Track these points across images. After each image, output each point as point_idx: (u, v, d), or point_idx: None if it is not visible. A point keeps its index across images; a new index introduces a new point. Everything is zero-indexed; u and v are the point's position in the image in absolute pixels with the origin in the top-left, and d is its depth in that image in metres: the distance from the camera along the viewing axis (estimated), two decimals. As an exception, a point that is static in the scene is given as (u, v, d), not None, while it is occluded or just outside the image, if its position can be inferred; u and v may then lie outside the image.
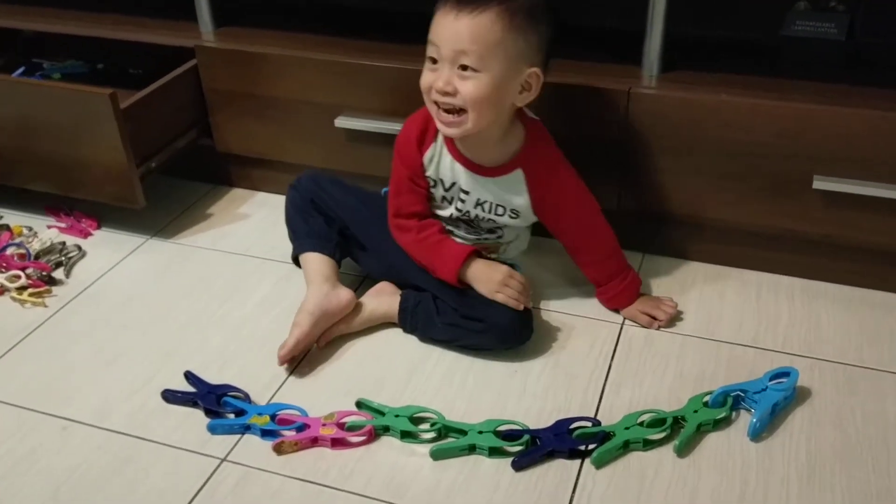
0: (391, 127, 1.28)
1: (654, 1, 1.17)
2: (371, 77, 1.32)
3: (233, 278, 1.32)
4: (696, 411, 1.01)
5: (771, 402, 1.01)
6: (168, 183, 1.56)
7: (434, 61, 1.04)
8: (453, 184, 1.15)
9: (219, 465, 0.98)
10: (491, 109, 1.04)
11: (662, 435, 0.99)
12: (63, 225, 1.46)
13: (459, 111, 1.04)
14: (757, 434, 0.99)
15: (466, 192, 1.14)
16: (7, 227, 1.43)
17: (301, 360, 1.14)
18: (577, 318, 1.21)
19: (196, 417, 1.05)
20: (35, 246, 1.38)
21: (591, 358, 1.14)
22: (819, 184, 1.15)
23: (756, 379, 1.05)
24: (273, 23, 1.49)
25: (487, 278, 1.12)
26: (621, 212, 1.30)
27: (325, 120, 1.37)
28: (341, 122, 1.36)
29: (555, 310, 1.22)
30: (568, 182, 1.14)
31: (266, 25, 1.48)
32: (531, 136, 1.11)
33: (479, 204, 1.14)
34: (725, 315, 1.21)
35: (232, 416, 1.04)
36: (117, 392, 1.10)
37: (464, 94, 1.02)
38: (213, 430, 1.02)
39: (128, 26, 1.51)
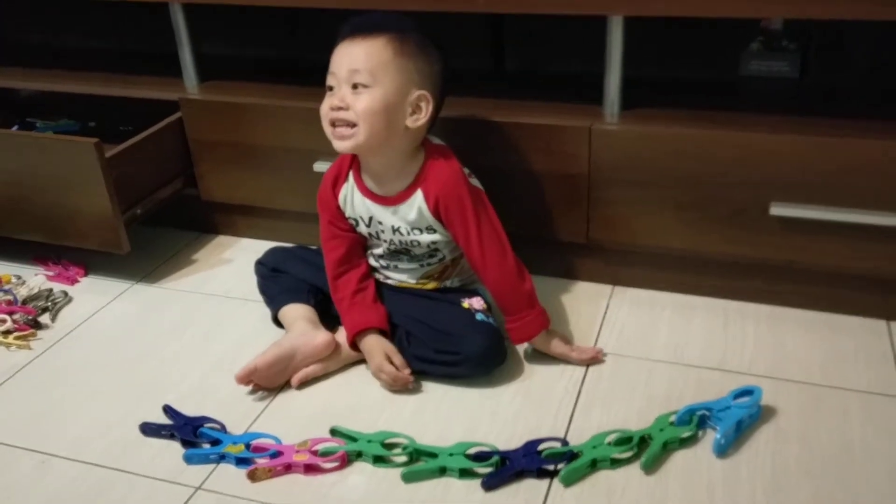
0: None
1: (611, 42, 1.23)
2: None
3: (214, 318, 1.35)
4: (662, 430, 1.03)
5: (735, 419, 1.03)
6: (154, 231, 1.60)
7: (331, 89, 1.12)
8: (371, 218, 1.19)
9: (193, 493, 1.00)
10: (380, 123, 1.09)
11: (630, 453, 1.01)
12: (51, 273, 1.50)
13: (353, 126, 1.10)
14: (723, 451, 1.01)
15: (381, 223, 1.19)
16: (-5, 276, 1.47)
17: (276, 393, 1.16)
18: (548, 347, 1.23)
19: (173, 449, 1.07)
20: (22, 292, 1.42)
21: (562, 383, 1.16)
22: (776, 210, 1.19)
23: (721, 398, 1.07)
24: (253, 77, 1.56)
25: (369, 359, 1.17)
26: (590, 246, 1.34)
27: (305, 165, 1.42)
28: (319, 166, 1.41)
29: (527, 339, 1.25)
30: (459, 197, 1.13)
31: (247, 79, 1.55)
32: (430, 156, 1.16)
33: (395, 230, 1.19)
34: (692, 341, 1.24)
35: (208, 445, 1.06)
36: (96, 426, 1.12)
37: (356, 108, 1.09)
38: (188, 459, 1.04)
39: (117, 83, 1.58)
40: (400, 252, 1.21)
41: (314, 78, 1.54)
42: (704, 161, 1.21)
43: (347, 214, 1.21)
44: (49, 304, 1.40)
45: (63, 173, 1.36)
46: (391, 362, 1.15)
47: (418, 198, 1.15)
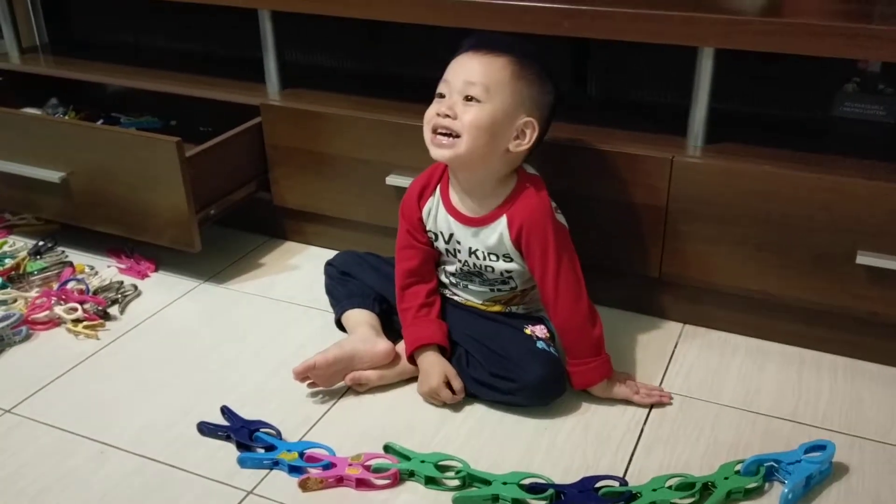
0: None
1: (700, 73, 1.20)
2: (419, 137, 1.37)
3: (277, 323, 1.36)
4: (726, 478, 0.99)
5: (805, 474, 0.98)
6: (225, 233, 1.63)
7: (442, 96, 1.10)
8: (451, 235, 1.18)
9: (245, 497, 1.00)
10: (483, 140, 1.08)
11: (691, 500, 0.97)
12: (123, 266, 1.53)
13: (454, 136, 1.08)
14: (790, 505, 0.97)
15: (459, 243, 1.17)
16: (70, 264, 1.51)
17: (333, 402, 1.16)
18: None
19: (228, 450, 1.07)
20: (94, 282, 1.45)
21: (624, 420, 1.13)
22: (863, 259, 1.14)
23: (791, 450, 1.02)
24: (334, 86, 1.57)
25: (425, 378, 1.14)
26: (662, 281, 1.30)
27: (377, 178, 1.43)
28: (392, 180, 1.41)
29: (590, 372, 1.22)
30: (543, 230, 1.11)
31: (328, 88, 1.57)
32: (521, 185, 1.14)
33: (472, 252, 1.17)
34: (764, 388, 1.19)
35: (262, 450, 1.06)
36: (155, 421, 1.13)
37: (462, 119, 1.07)
38: (242, 463, 1.04)
39: (201, 85, 1.61)
40: (472, 273, 1.20)
41: (393, 91, 1.55)
42: (790, 202, 1.17)
43: (428, 227, 1.20)
44: (119, 296, 1.42)
45: (143, 170, 1.39)
46: (448, 385, 1.13)
47: (501, 223, 1.14)
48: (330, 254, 1.55)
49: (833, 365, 1.24)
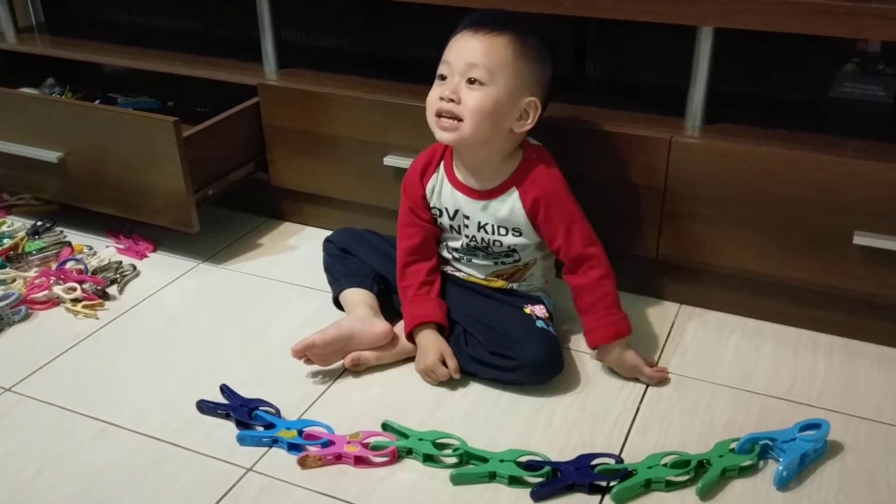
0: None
1: (699, 54, 1.20)
2: (417, 117, 1.37)
3: (276, 303, 1.36)
4: (721, 456, 1.00)
5: (799, 452, 0.99)
6: (223, 213, 1.63)
7: (443, 78, 1.10)
8: (457, 211, 1.18)
9: (244, 475, 1.01)
10: (487, 124, 1.08)
11: (686, 477, 0.98)
12: (122, 246, 1.53)
13: (458, 120, 1.08)
14: (784, 483, 0.97)
15: (467, 217, 1.18)
16: (69, 244, 1.51)
17: (332, 381, 1.16)
18: (608, 360, 1.21)
19: (227, 428, 1.08)
20: (93, 262, 1.45)
21: (621, 398, 1.13)
22: (860, 239, 1.14)
23: (786, 429, 1.03)
24: (332, 66, 1.57)
25: (422, 356, 1.15)
26: (660, 261, 1.31)
27: (375, 158, 1.43)
28: (390, 160, 1.41)
29: (586, 351, 1.22)
30: (561, 200, 1.14)
31: (325, 68, 1.56)
32: (528, 157, 1.15)
33: (481, 227, 1.17)
34: (760, 368, 1.20)
35: (261, 428, 1.07)
36: (155, 400, 1.14)
37: (466, 103, 1.07)
38: (241, 440, 1.05)
39: (198, 65, 1.61)
40: (478, 248, 1.20)
41: (391, 70, 1.55)
42: (787, 183, 1.17)
43: (432, 204, 1.20)
44: (118, 276, 1.43)
45: (141, 150, 1.39)
46: (444, 364, 1.13)
47: (513, 196, 1.14)
48: (328, 234, 1.55)
49: (829, 345, 1.24)
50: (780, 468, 0.98)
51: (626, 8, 1.18)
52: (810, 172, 1.15)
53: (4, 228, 1.58)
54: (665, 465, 0.99)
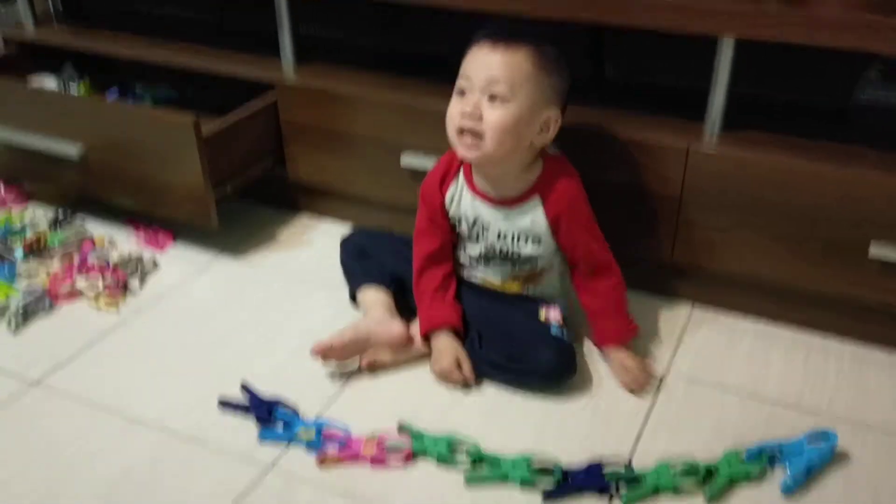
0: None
1: (719, 62, 1.21)
2: (433, 119, 1.38)
3: (294, 300, 1.39)
4: (730, 464, 1.02)
5: (807, 462, 1.01)
6: (240, 205, 1.65)
7: (463, 93, 1.11)
8: (475, 220, 1.20)
9: (266, 473, 1.03)
10: (509, 141, 1.10)
11: (694, 484, 1.00)
12: (141, 238, 1.55)
13: (480, 136, 1.09)
14: (790, 491, 1.00)
15: (486, 227, 1.19)
16: (90, 238, 1.53)
17: (347, 380, 1.19)
18: (620, 363, 1.23)
19: (248, 426, 1.11)
20: (114, 256, 1.48)
21: (631, 403, 1.16)
22: (876, 251, 1.15)
23: (794, 438, 1.05)
24: (349, 62, 1.58)
25: (437, 357, 1.17)
26: (673, 264, 1.32)
27: (392, 157, 1.44)
28: (406, 160, 1.43)
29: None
30: (582, 212, 1.17)
31: (343, 65, 1.57)
32: (549, 167, 1.16)
33: (500, 237, 1.19)
34: (771, 373, 1.21)
35: (281, 427, 1.09)
36: (178, 398, 1.17)
37: (488, 121, 1.08)
38: (262, 438, 1.08)
39: (216, 58, 1.62)
40: (496, 256, 1.22)
41: (410, 67, 1.56)
42: (805, 194, 1.18)
43: (451, 213, 1.22)
44: (138, 269, 1.45)
45: (161, 148, 1.41)
46: (459, 367, 1.16)
47: (535, 205, 1.16)
48: (344, 228, 1.58)
49: (840, 351, 1.26)
50: (787, 477, 1.00)
51: (644, 17, 1.18)
52: (829, 185, 1.16)
53: (26, 220, 1.61)
54: (674, 472, 1.01)
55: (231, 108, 1.50)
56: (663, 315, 1.34)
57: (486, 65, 1.08)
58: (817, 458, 1.02)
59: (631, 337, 1.20)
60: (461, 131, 1.11)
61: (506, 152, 1.11)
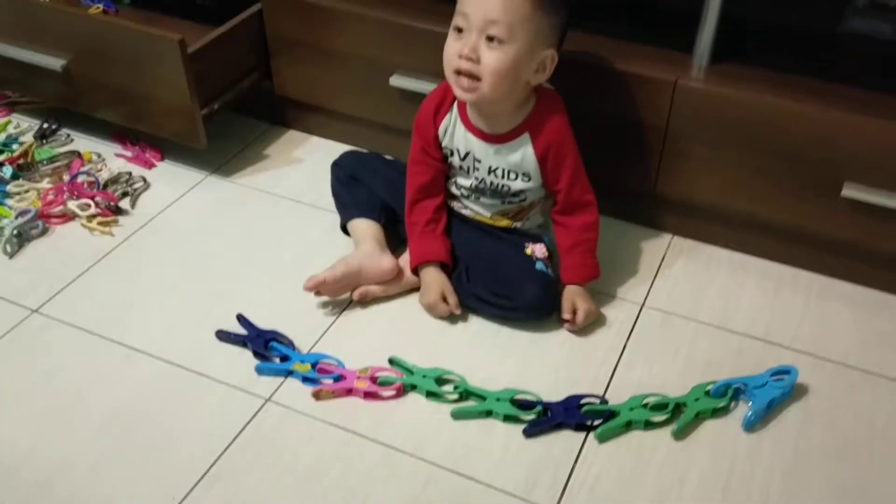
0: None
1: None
2: (425, 40, 1.36)
3: (285, 223, 1.42)
4: (697, 399, 1.10)
5: (768, 398, 1.09)
6: (228, 118, 1.63)
7: (460, 31, 1.10)
8: (468, 153, 1.22)
9: (263, 405, 1.10)
10: (506, 82, 1.11)
11: (663, 418, 1.09)
12: (129, 154, 1.56)
13: (477, 79, 1.10)
14: (751, 426, 1.08)
15: (479, 161, 1.21)
16: (78, 154, 1.53)
17: (340, 311, 1.24)
18: (601, 294, 1.28)
19: (246, 357, 1.17)
20: (104, 175, 1.48)
21: (609, 335, 1.22)
22: (848, 192, 1.19)
23: (758, 374, 1.13)
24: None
25: (424, 290, 1.22)
26: (656, 194, 1.35)
27: (381, 76, 1.43)
28: (396, 80, 1.42)
29: (582, 285, 1.30)
30: (569, 150, 1.19)
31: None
32: (541, 104, 1.17)
33: (491, 171, 1.21)
34: (742, 305, 1.28)
35: (278, 360, 1.15)
36: (176, 325, 1.22)
37: (486, 63, 1.08)
38: (260, 371, 1.14)
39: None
40: (486, 189, 1.24)
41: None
42: (784, 133, 1.20)
43: (444, 144, 1.23)
44: (129, 188, 1.46)
45: (146, 64, 1.39)
46: (444, 300, 1.21)
47: (525, 141, 1.18)
48: (333, 146, 1.59)
49: (808, 283, 1.32)
50: (749, 413, 1.08)
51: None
52: (808, 125, 1.18)
53: (10, 130, 1.60)
54: (646, 406, 1.09)
55: (216, 14, 1.46)
56: (645, 245, 1.39)
57: (485, 3, 1.06)
58: (778, 394, 1.10)
59: (590, 279, 1.22)
60: (458, 72, 1.10)
61: (503, 94, 1.11)
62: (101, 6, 1.70)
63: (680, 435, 1.07)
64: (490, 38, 1.07)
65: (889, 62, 1.32)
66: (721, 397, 1.10)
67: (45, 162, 1.50)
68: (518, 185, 1.21)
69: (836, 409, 1.12)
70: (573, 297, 1.21)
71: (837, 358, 1.19)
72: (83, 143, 1.59)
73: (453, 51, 1.10)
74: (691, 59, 1.28)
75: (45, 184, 1.46)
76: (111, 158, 1.55)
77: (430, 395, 1.11)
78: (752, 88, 1.22)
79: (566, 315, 1.20)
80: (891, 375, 1.17)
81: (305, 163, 1.57)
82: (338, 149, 1.57)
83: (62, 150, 1.55)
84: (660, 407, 1.09)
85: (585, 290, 1.23)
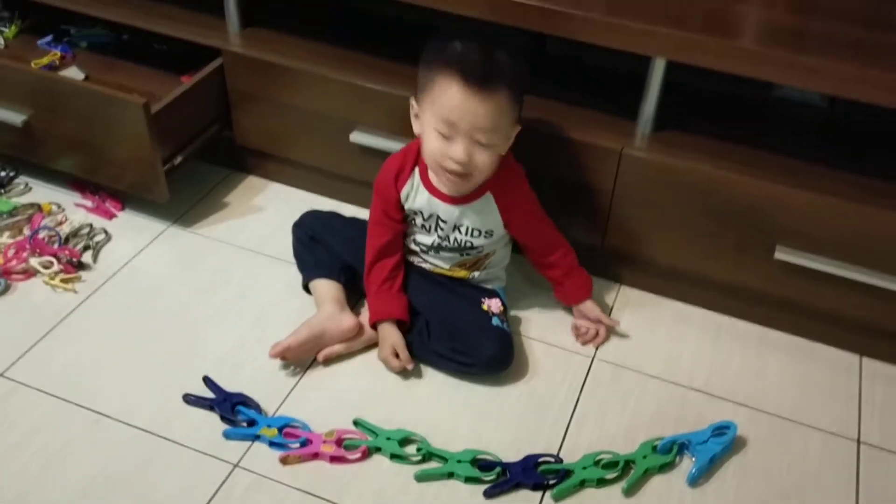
0: (401, 146, 1.37)
1: (651, 76, 1.27)
2: (384, 101, 1.41)
3: (247, 276, 1.45)
4: (645, 456, 1.17)
5: (710, 454, 1.17)
6: (187, 165, 1.65)
7: (445, 135, 1.16)
8: (431, 215, 1.28)
9: (232, 471, 1.14)
10: (492, 168, 1.20)
11: (615, 475, 1.16)
12: (90, 204, 1.57)
13: (468, 176, 1.19)
14: (695, 481, 1.16)
15: (444, 221, 1.28)
16: (38, 207, 1.54)
17: (305, 370, 1.28)
18: (553, 347, 1.35)
19: (213, 421, 1.20)
20: (65, 229, 1.49)
21: (563, 389, 1.29)
22: (780, 254, 1.28)
23: (701, 430, 1.21)
24: (298, 28, 1.56)
25: (381, 345, 1.28)
26: (605, 249, 1.43)
27: (341, 133, 1.47)
28: (356, 137, 1.46)
29: (535, 338, 1.37)
30: (530, 200, 1.29)
31: (291, 30, 1.55)
32: (500, 165, 1.24)
33: (456, 227, 1.28)
34: (684, 354, 1.36)
35: (245, 424, 1.19)
36: (142, 387, 1.24)
37: (478, 163, 1.17)
38: (227, 436, 1.18)
39: (158, 17, 1.57)
40: (448, 246, 1.30)
41: (361, 36, 1.55)
42: (723, 199, 1.28)
43: (407, 207, 1.28)
44: (91, 242, 1.48)
45: (110, 124, 1.41)
46: (397, 355, 1.26)
47: (489, 203, 1.25)
48: (293, 192, 1.63)
49: (745, 333, 1.41)
50: (693, 469, 1.16)
51: (586, 31, 1.23)
52: (743, 193, 1.27)
53: (-34, 179, 1.59)
54: (597, 463, 1.16)
55: (173, 58, 1.52)
56: (595, 295, 1.45)
57: (470, 115, 1.13)
58: (719, 449, 1.18)
59: (591, 288, 1.35)
60: (447, 171, 1.18)
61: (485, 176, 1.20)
62: (58, 52, 1.69)
63: (630, 491, 1.14)
64: (476, 141, 1.15)
65: (817, 127, 1.42)
66: (667, 453, 1.18)
67: (4, 216, 1.50)
68: (480, 241, 1.28)
69: (771, 460, 1.20)
70: (585, 312, 1.35)
71: (772, 409, 1.28)
72: (42, 191, 1.59)
73: (441, 151, 1.17)
74: (636, 127, 1.35)
75: (6, 238, 1.46)
76: (71, 209, 1.56)
77: (395, 457, 1.16)
78: (691, 158, 1.30)
79: (587, 334, 1.34)
80: (821, 427, 1.26)
81: (266, 211, 1.60)
82: (297, 195, 1.62)
83: (21, 200, 1.55)
84: (611, 465, 1.16)
85: (594, 302, 1.35)
